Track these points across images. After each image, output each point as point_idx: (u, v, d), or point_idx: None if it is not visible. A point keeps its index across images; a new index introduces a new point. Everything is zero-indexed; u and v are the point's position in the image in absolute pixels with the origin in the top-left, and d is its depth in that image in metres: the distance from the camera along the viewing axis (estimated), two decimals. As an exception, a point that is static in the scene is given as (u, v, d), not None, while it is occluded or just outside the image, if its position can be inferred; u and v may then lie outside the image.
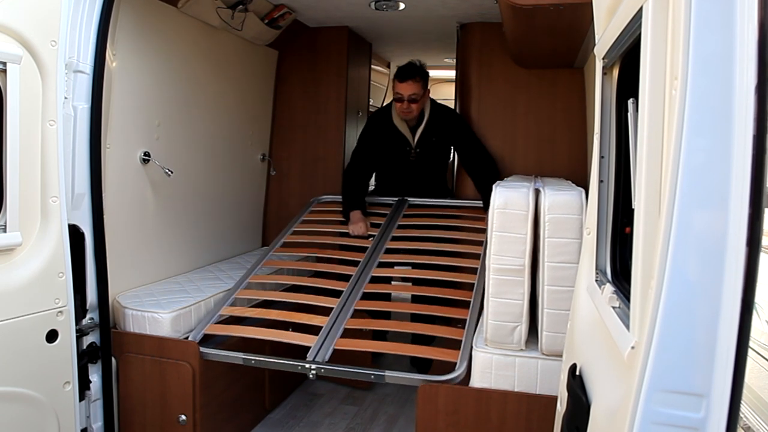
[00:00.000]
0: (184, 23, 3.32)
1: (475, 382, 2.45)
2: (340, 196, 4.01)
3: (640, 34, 1.15)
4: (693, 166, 0.92)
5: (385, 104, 4.31)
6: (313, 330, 2.78)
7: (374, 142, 4.02)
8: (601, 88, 1.63)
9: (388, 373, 2.54)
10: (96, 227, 2.58)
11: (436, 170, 4.15)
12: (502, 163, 4.14)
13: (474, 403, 2.40)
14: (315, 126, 4.58)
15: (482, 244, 3.20)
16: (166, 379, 2.76)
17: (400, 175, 4.11)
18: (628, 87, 1.48)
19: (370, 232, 3.70)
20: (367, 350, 2.86)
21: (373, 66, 5.40)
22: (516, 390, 2.40)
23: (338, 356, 2.65)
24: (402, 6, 3.85)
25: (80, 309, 2.53)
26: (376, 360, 3.97)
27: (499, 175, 3.83)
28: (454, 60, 4.58)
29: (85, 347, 2.59)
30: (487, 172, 3.89)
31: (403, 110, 3.85)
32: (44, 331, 2.27)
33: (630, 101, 1.38)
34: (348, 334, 2.77)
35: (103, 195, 2.62)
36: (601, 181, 1.62)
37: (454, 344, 2.61)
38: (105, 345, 2.66)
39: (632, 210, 1.21)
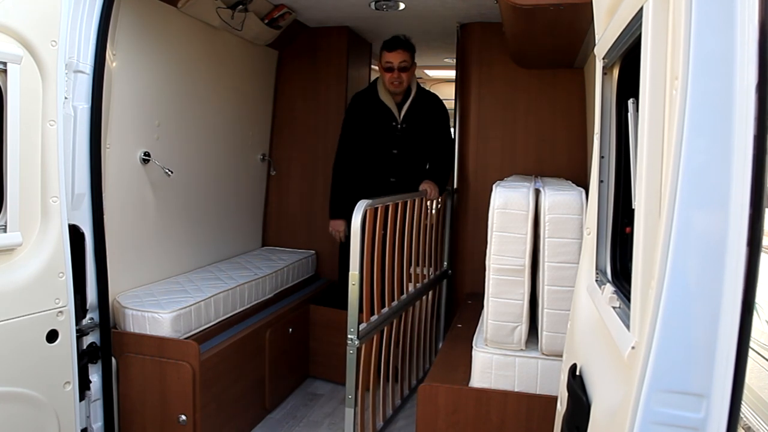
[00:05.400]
0: (184, 23, 3.32)
1: (475, 382, 2.45)
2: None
3: (640, 34, 1.15)
4: (693, 166, 0.92)
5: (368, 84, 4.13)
6: None
7: (360, 120, 3.89)
8: (601, 88, 1.63)
9: None
10: (96, 227, 2.58)
11: (419, 155, 3.97)
12: (502, 163, 4.14)
13: (474, 404, 2.40)
14: (315, 126, 4.58)
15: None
16: (166, 379, 2.76)
17: (385, 156, 3.90)
18: (628, 87, 1.48)
19: None
20: None
21: (373, 66, 5.39)
22: (516, 390, 2.40)
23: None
24: (402, 6, 3.84)
25: (80, 309, 2.53)
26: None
27: (450, 170, 4.12)
28: (454, 60, 4.57)
29: (85, 347, 2.59)
30: (442, 161, 4.01)
31: (393, 80, 3.76)
32: (44, 331, 2.26)
33: (630, 101, 1.38)
34: None
35: (103, 195, 2.61)
36: (601, 181, 1.62)
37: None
38: (105, 345, 2.66)
39: (632, 210, 1.21)
